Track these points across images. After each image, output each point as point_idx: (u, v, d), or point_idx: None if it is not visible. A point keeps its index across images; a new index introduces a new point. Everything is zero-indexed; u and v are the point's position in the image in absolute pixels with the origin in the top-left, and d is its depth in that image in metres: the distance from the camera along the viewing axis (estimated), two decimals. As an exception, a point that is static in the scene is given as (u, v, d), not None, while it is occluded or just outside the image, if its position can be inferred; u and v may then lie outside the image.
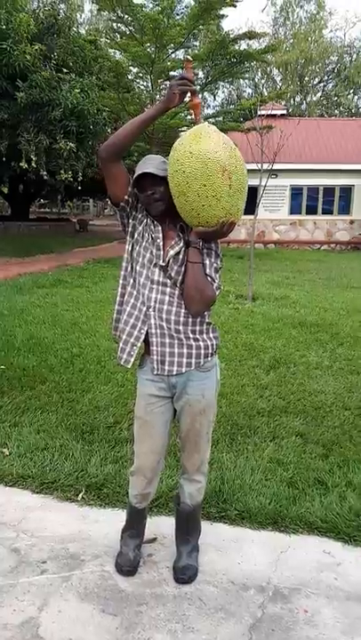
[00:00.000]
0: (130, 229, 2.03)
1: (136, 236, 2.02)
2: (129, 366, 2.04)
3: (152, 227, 1.98)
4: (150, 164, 1.91)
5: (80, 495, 2.72)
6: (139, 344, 2.01)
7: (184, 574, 2.13)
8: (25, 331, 5.78)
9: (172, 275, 1.95)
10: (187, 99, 1.95)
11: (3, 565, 2.19)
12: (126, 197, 1.96)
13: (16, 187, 21.54)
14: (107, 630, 1.87)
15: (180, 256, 1.95)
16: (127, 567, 2.16)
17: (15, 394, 4.01)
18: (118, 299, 2.09)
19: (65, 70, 11.67)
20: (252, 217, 8.55)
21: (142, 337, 1.99)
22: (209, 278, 1.95)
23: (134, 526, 2.25)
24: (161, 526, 2.47)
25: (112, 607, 1.98)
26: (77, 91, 11.08)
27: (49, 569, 2.17)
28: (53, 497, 2.72)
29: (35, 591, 2.04)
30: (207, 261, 1.96)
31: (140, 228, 2.01)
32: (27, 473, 2.89)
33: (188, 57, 1.94)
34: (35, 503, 2.66)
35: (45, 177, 11.98)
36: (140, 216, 2.02)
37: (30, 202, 25.59)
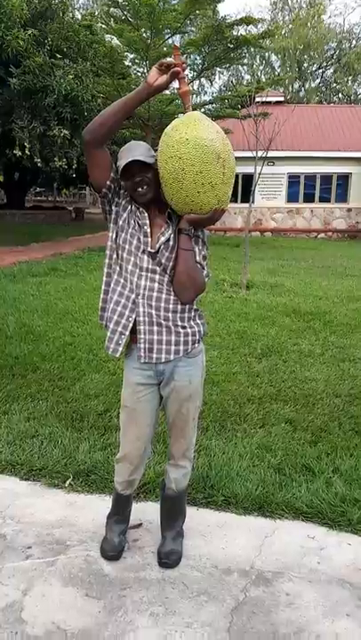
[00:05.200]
0: (113, 216, 2.01)
1: (120, 222, 1.99)
2: (117, 355, 2.03)
3: (138, 213, 1.96)
4: (136, 150, 1.88)
5: (68, 482, 2.73)
6: (127, 332, 1.99)
7: (168, 559, 2.15)
8: (17, 319, 5.77)
9: (163, 261, 1.93)
10: (176, 84, 1.92)
11: (-12, 551, 2.20)
12: (109, 183, 1.93)
13: (11, 175, 21.41)
14: (89, 613, 1.89)
15: (171, 242, 1.93)
16: (112, 552, 2.17)
17: (6, 382, 4.01)
18: (104, 287, 2.07)
19: (59, 56, 11.49)
20: (248, 205, 8.51)
21: (130, 325, 1.98)
22: (199, 265, 1.95)
23: (120, 512, 2.26)
24: (147, 512, 2.49)
25: (95, 591, 1.99)
26: (71, 77, 10.94)
27: (34, 554, 2.19)
28: (41, 483, 2.74)
29: (19, 576, 2.06)
30: (196, 249, 1.96)
31: (125, 214, 1.98)
32: (15, 460, 2.90)
33: (176, 44, 1.92)
34: (22, 489, 2.67)
35: (39, 164, 11.87)
36: (123, 202, 1.99)
37: (26, 190, 25.43)
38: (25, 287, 7.60)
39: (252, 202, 8.64)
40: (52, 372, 4.27)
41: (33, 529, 2.35)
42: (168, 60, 1.84)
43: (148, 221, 1.95)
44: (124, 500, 2.24)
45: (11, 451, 2.99)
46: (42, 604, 1.93)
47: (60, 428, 3.28)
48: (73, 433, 3.23)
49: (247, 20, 14.80)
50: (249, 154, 8.60)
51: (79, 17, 18.01)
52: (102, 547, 2.21)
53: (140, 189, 1.89)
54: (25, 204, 24.65)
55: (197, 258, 1.96)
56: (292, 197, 18.98)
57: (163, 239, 1.93)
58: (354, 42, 34.37)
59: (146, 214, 1.95)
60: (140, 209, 1.96)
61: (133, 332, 2.00)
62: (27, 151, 11.21)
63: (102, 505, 2.52)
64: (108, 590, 2.00)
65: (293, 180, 18.83)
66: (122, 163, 1.85)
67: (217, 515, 2.50)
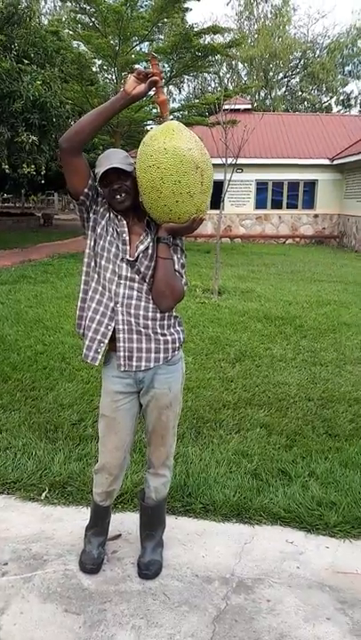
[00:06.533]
0: (91, 224, 1.99)
1: (99, 230, 1.98)
2: (96, 364, 2.01)
3: (116, 221, 1.96)
4: (115, 158, 1.88)
5: (43, 494, 2.68)
6: (106, 340, 1.97)
7: (148, 570, 2.13)
8: (-13, 328, 5.65)
9: (142, 270, 1.93)
10: (152, 92, 1.93)
11: None
12: (86, 190, 1.92)
13: (-23, 181, 21.01)
14: (69, 629, 1.85)
15: (150, 251, 1.93)
16: (91, 565, 2.14)
17: (-24, 393, 3.92)
18: (81, 295, 2.05)
19: (26, 61, 11.37)
20: (218, 211, 8.58)
21: (109, 333, 1.96)
22: (177, 274, 1.95)
23: (98, 524, 2.23)
24: (125, 522, 2.46)
25: (75, 606, 1.96)
26: (39, 82, 10.84)
27: (10, 570, 2.13)
28: (16, 497, 2.67)
29: (-5, 594, 2.01)
30: (175, 257, 1.96)
31: (103, 222, 1.97)
32: (-12, 473, 2.83)
33: (154, 53, 1.93)
34: (-4, 504, 2.61)
35: (7, 171, 11.69)
36: (101, 210, 1.98)
37: (-7, 196, 25.00)
38: (-6, 295, 7.46)
39: (222, 208, 8.71)
40: (24, 381, 4.19)
41: (9, 544, 2.29)
42: (143, 68, 1.85)
43: (126, 229, 1.94)
44: (102, 512, 2.21)
45: (-17, 464, 2.92)
46: (20, 621, 1.88)
47: (33, 440, 3.22)
48: (47, 444, 3.18)
49: (214, 29, 15.00)
50: (218, 161, 8.67)
51: (46, 23, 17.91)
52: (81, 560, 2.17)
53: (118, 197, 1.88)
54: (-8, 210, 24.23)
55: (176, 266, 1.96)
56: (260, 204, 19.22)
57: (142, 247, 1.93)
58: (318, 52, 35.22)
59: (124, 222, 1.95)
60: (119, 217, 1.95)
61: (112, 340, 1.98)
62: (-6, 157, 11.04)
63: (79, 517, 2.48)
64: (88, 604, 1.97)
65: (261, 186, 19.07)
66: (100, 170, 1.84)
67: (196, 523, 2.50)
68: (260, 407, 3.85)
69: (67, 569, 2.15)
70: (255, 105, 29.21)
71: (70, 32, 15.63)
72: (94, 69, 16.03)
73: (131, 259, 1.93)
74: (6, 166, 11.60)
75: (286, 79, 36.75)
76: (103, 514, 2.22)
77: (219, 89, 28.55)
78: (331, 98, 36.33)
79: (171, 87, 30.75)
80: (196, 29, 14.86)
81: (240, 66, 35.07)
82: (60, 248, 14.09)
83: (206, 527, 2.47)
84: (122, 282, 1.94)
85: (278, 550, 2.32)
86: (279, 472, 2.94)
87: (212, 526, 2.47)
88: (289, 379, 4.46)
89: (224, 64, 33.62)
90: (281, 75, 36.15)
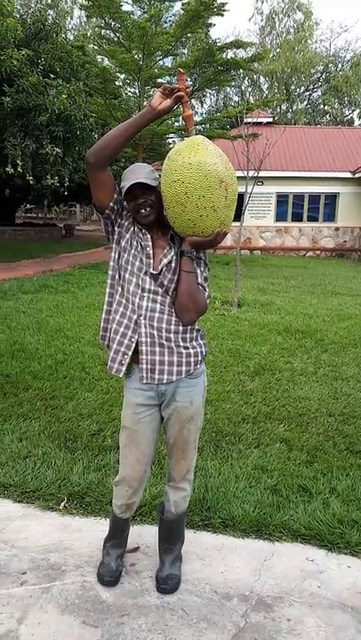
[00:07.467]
0: (115, 237, 2.01)
1: (123, 243, 1.99)
2: (120, 375, 2.01)
3: (140, 235, 1.97)
4: (141, 172, 1.90)
5: (62, 504, 2.69)
6: (129, 352, 1.98)
7: (167, 584, 2.11)
8: (8, 337, 5.72)
9: (165, 283, 1.94)
10: (178, 108, 1.95)
11: (-18, 577, 2.14)
12: (112, 204, 1.94)
13: (2, 191, 21.44)
14: (87, 642, 1.84)
15: (173, 265, 1.94)
16: (109, 577, 2.13)
17: (-2, 401, 3.96)
18: (106, 307, 2.07)
19: (52, 76, 11.63)
20: (238, 224, 8.59)
21: (133, 345, 1.97)
22: (200, 287, 1.96)
23: (117, 536, 2.22)
24: (144, 535, 2.45)
25: (93, 618, 1.95)
26: (64, 96, 11.06)
27: (29, 580, 2.13)
28: (35, 506, 2.68)
29: (14, 603, 2.01)
30: (198, 271, 1.97)
31: (128, 235, 1.99)
32: (8, 482, 2.85)
33: (180, 69, 1.95)
34: (15, 512, 2.62)
35: (31, 182, 11.91)
36: (126, 223, 2.00)
37: (16, 207, 25.47)
38: (16, 304, 7.56)
39: (242, 221, 8.72)
40: (45, 390, 4.22)
41: (27, 553, 2.30)
42: (167, 83, 1.88)
43: (150, 243, 1.95)
44: (121, 524, 2.20)
45: (3, 472, 2.94)
46: (38, 632, 1.87)
47: (53, 449, 3.23)
48: (66, 453, 3.19)
49: (237, 44, 15.15)
50: (239, 173, 8.70)
51: (72, 38, 18.30)
52: (99, 572, 2.16)
53: (143, 211, 1.90)
54: (15, 220, 24.67)
55: (199, 279, 1.96)
56: (280, 216, 19.20)
57: (165, 261, 1.94)
58: (340, 65, 35.22)
59: (148, 236, 1.96)
60: (143, 230, 1.96)
61: (135, 352, 1.99)
62: (19, 169, 11.25)
63: (98, 528, 2.47)
64: (106, 617, 1.96)
65: (282, 199, 19.07)
66: (126, 184, 1.86)
67: (215, 537, 2.47)
68: (280, 422, 3.81)
69: (85, 580, 2.15)
70: (277, 118, 29.27)
71: (95, 47, 15.96)
72: (118, 83, 16.31)
73: (154, 272, 1.94)
74: (30, 177, 11.83)
75: (308, 93, 36.80)
76: (122, 526, 2.21)
77: (240, 102, 28.74)
78: (353, 111, 36.23)
79: (193, 101, 31.03)
80: (218, 44, 15.03)
81: (262, 79, 35.26)
82: (80, 259, 14.25)
83: (225, 542, 2.44)
84: (145, 295, 1.95)
85: (299, 568, 2.28)
86: (299, 488, 2.89)
87: (231, 541, 2.45)
88: (310, 393, 4.41)
89: (246, 78, 33.88)
90: (303, 88, 36.21)
